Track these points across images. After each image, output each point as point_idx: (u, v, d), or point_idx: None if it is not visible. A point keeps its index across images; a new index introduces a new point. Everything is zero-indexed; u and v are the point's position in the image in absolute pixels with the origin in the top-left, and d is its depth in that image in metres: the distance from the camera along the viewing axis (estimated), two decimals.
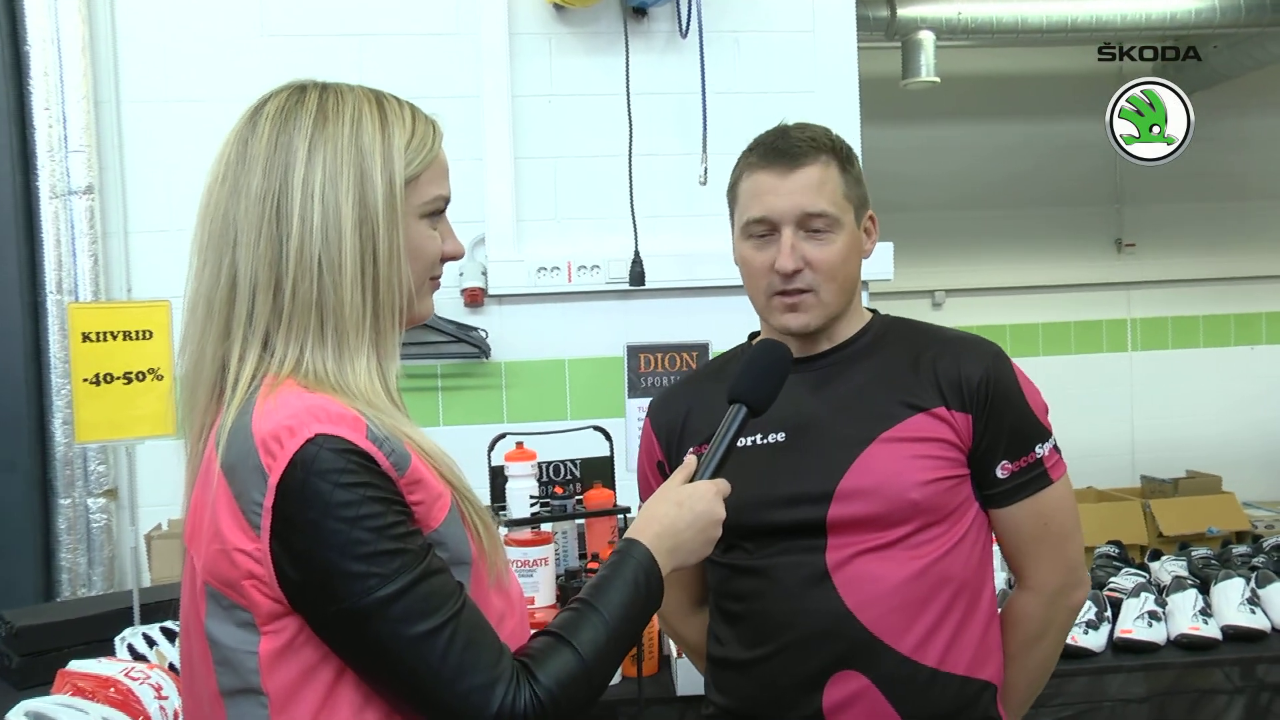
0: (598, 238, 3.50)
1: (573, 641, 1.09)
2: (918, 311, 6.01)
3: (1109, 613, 2.25)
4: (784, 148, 1.52)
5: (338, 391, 1.08)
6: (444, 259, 1.21)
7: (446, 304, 3.41)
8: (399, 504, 1.04)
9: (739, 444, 1.47)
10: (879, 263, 3.43)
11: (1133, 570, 2.52)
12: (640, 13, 3.45)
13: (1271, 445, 5.97)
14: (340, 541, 1.00)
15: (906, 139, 5.47)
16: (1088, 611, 2.18)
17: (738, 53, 3.54)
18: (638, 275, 3.37)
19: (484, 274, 3.41)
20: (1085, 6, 5.05)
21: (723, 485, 1.30)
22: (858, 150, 3.53)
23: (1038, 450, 1.51)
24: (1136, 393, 6.05)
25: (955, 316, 5.83)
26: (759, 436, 1.51)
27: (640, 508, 1.36)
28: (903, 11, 4.93)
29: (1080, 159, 5.98)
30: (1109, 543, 2.75)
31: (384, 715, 1.05)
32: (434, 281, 1.21)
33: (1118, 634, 2.20)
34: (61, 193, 3.28)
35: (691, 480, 1.31)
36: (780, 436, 1.50)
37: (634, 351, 2.60)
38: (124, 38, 3.36)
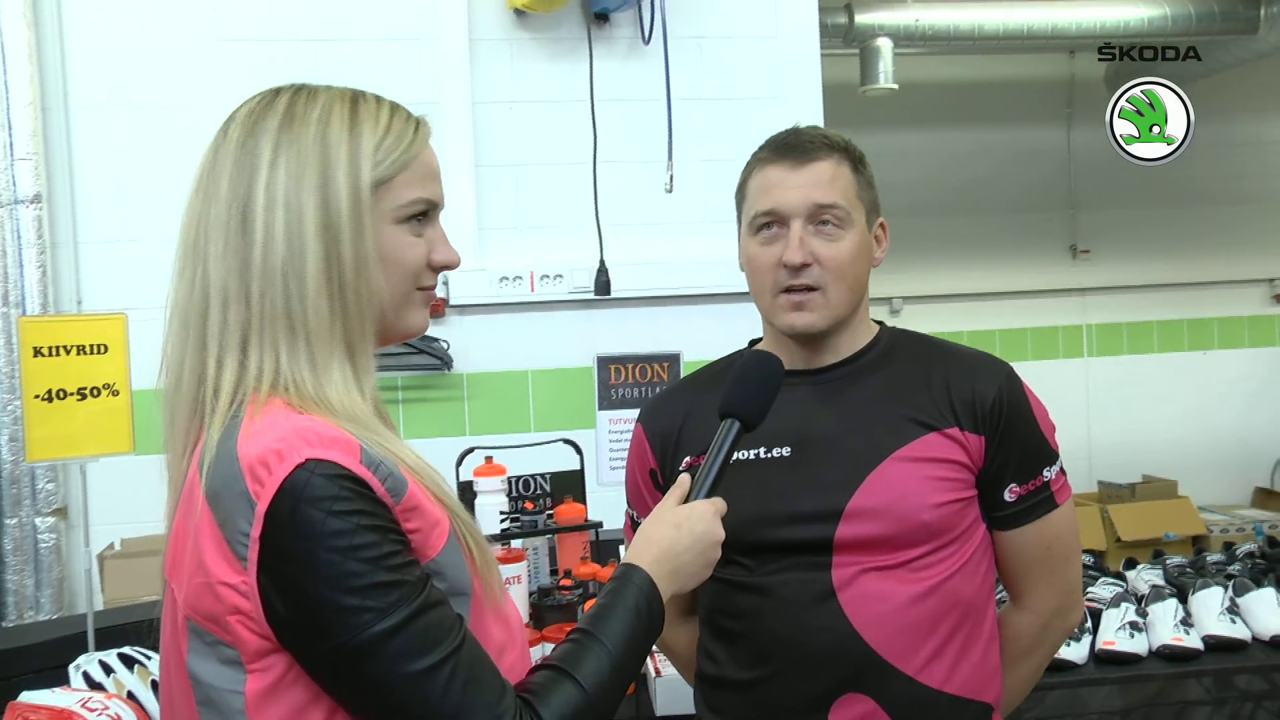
0: (561, 246, 3.45)
1: (575, 674, 1.03)
2: (875, 317, 6.04)
3: (1089, 624, 2.23)
4: (795, 143, 1.49)
5: (323, 408, 1.01)
6: (435, 268, 1.14)
7: None
8: (395, 532, 0.97)
9: (741, 457, 1.42)
10: None
11: (1110, 579, 2.51)
12: (602, 18, 3.41)
13: (1225, 449, 6.06)
14: (333, 574, 0.93)
15: (864, 146, 5.41)
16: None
17: (701, 59, 3.51)
18: (603, 284, 3.32)
19: (444, 284, 3.35)
20: (1041, 14, 5.10)
21: (719, 504, 1.25)
22: None
23: (1045, 473, 1.47)
24: (1093, 398, 6.11)
25: (912, 323, 5.76)
26: (763, 450, 1.46)
27: (637, 524, 1.30)
28: (860, 18, 4.94)
29: (1036, 165, 6.03)
30: (1084, 551, 2.73)
31: None
32: (424, 292, 1.13)
33: (1100, 645, 2.17)
34: (8, 202, 3.17)
35: (687, 500, 1.25)
36: (785, 451, 1.45)
37: (604, 363, 2.54)
38: (72, 42, 3.26)
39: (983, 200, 5.92)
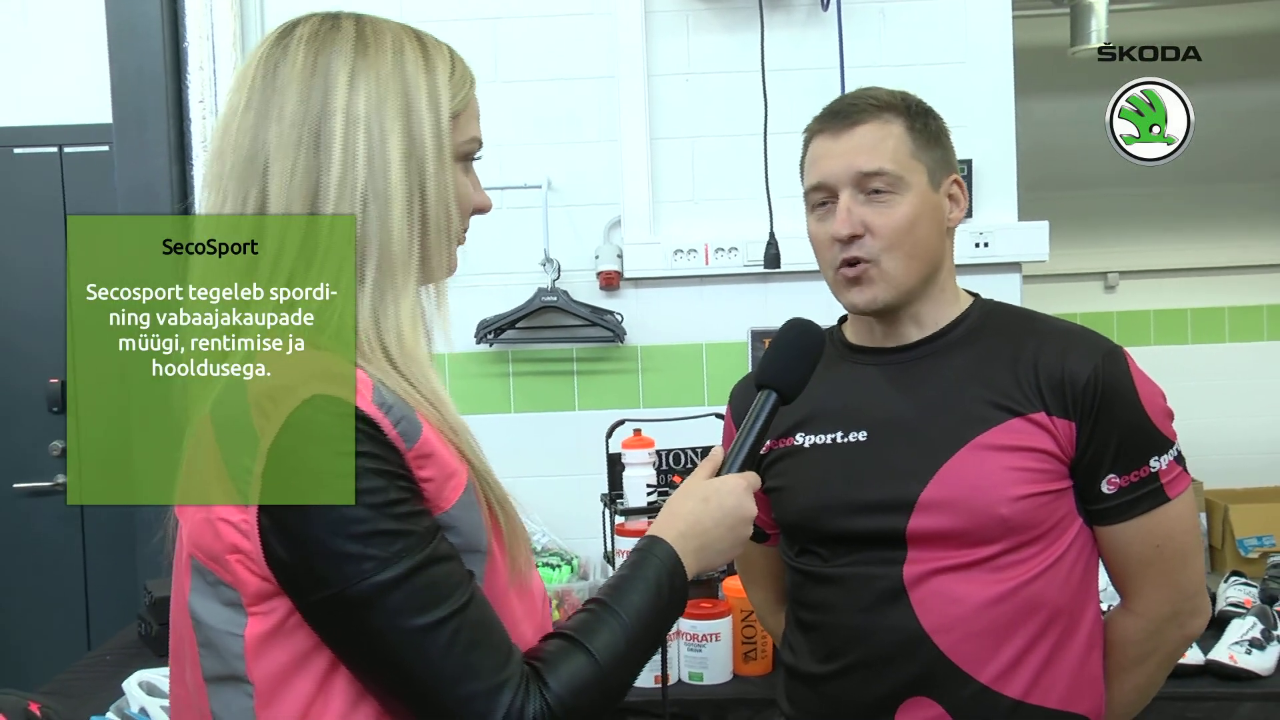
0: (735, 219, 3.40)
1: (588, 645, 0.99)
2: (1088, 296, 5.67)
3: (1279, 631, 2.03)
4: (840, 109, 1.41)
5: (352, 345, 0.97)
6: (475, 211, 1.12)
7: (581, 287, 3.39)
8: (404, 479, 0.94)
9: (818, 441, 1.37)
10: (1032, 243, 3.23)
11: None
12: None
13: None
14: (333, 518, 0.90)
15: (1070, 111, 5.12)
16: (1252, 629, 1.97)
17: (883, 24, 3.38)
18: (773, 257, 3.26)
19: (619, 257, 3.37)
20: None
21: (752, 479, 1.18)
22: (1010, 124, 3.32)
23: (1153, 464, 1.33)
24: None
25: (1131, 300, 5.47)
26: (839, 434, 1.39)
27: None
28: None
29: (1268, 126, 5.53)
30: None
31: (380, 712, 0.96)
32: (461, 235, 1.11)
33: None
34: None
35: (719, 474, 1.19)
36: (862, 435, 1.38)
37: (758, 337, 2.51)
38: (272, 28, 3.45)
39: (1208, 166, 5.41)
